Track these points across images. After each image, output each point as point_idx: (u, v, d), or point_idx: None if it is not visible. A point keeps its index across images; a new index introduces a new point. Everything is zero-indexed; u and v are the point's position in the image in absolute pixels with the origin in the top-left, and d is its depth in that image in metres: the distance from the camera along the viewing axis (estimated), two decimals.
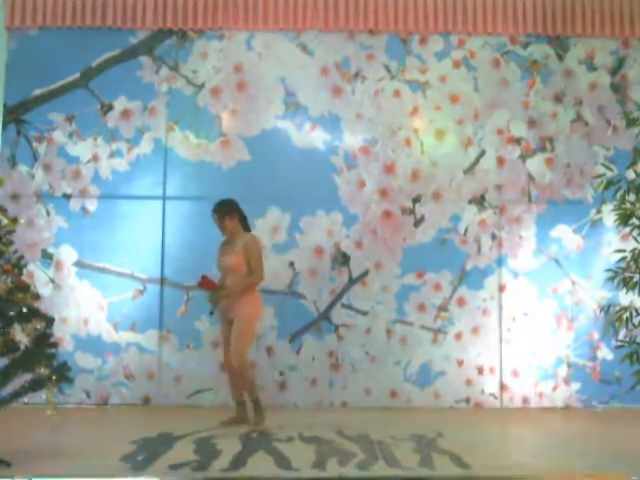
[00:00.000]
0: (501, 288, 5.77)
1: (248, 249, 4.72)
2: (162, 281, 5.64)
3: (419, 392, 5.65)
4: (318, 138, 5.81)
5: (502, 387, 5.69)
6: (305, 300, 5.69)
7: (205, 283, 4.74)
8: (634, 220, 5.20)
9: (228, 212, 4.83)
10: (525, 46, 5.95)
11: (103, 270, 5.64)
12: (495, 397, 5.68)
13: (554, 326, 5.75)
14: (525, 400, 5.69)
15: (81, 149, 5.74)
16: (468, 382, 5.68)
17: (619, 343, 5.31)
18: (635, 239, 5.23)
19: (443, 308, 5.74)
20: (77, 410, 5.33)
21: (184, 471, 3.64)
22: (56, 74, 5.74)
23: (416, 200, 5.79)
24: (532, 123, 5.89)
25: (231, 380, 4.82)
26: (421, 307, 5.73)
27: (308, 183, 5.73)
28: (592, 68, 5.96)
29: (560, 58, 5.95)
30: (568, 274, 5.79)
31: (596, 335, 5.74)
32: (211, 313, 4.84)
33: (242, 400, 4.82)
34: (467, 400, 5.67)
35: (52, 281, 5.64)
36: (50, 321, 3.87)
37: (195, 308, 5.54)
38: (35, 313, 3.80)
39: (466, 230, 5.80)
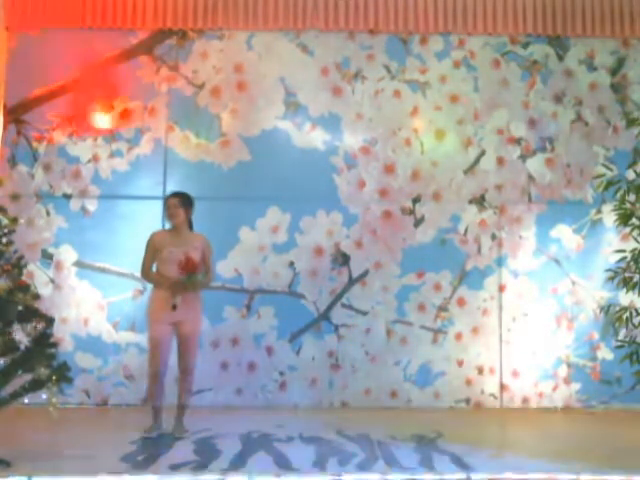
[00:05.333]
0: (501, 288, 5.77)
1: (207, 250, 4.60)
2: None
3: (419, 392, 5.65)
4: (318, 138, 5.81)
5: (502, 387, 5.69)
6: (305, 300, 5.69)
7: (190, 264, 4.35)
8: (634, 220, 5.20)
9: (190, 204, 4.64)
10: (525, 46, 5.95)
11: (103, 270, 5.64)
12: (495, 397, 5.68)
13: (554, 326, 5.75)
14: (525, 400, 5.69)
15: (81, 149, 5.74)
16: (468, 382, 5.68)
17: (619, 343, 5.31)
18: (635, 239, 5.22)
19: (443, 308, 5.74)
20: (77, 410, 5.32)
21: (184, 471, 3.64)
22: (56, 74, 5.74)
23: (416, 200, 5.79)
24: (532, 123, 5.89)
25: (157, 384, 4.56)
26: (421, 307, 5.73)
27: (308, 183, 5.73)
28: (592, 68, 5.97)
29: (560, 58, 5.96)
30: (568, 274, 5.79)
31: (596, 335, 5.74)
32: (174, 307, 4.46)
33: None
34: (467, 400, 5.66)
35: (52, 281, 5.64)
36: (50, 321, 3.86)
37: None
38: (35, 313, 3.80)
39: (466, 230, 5.80)
